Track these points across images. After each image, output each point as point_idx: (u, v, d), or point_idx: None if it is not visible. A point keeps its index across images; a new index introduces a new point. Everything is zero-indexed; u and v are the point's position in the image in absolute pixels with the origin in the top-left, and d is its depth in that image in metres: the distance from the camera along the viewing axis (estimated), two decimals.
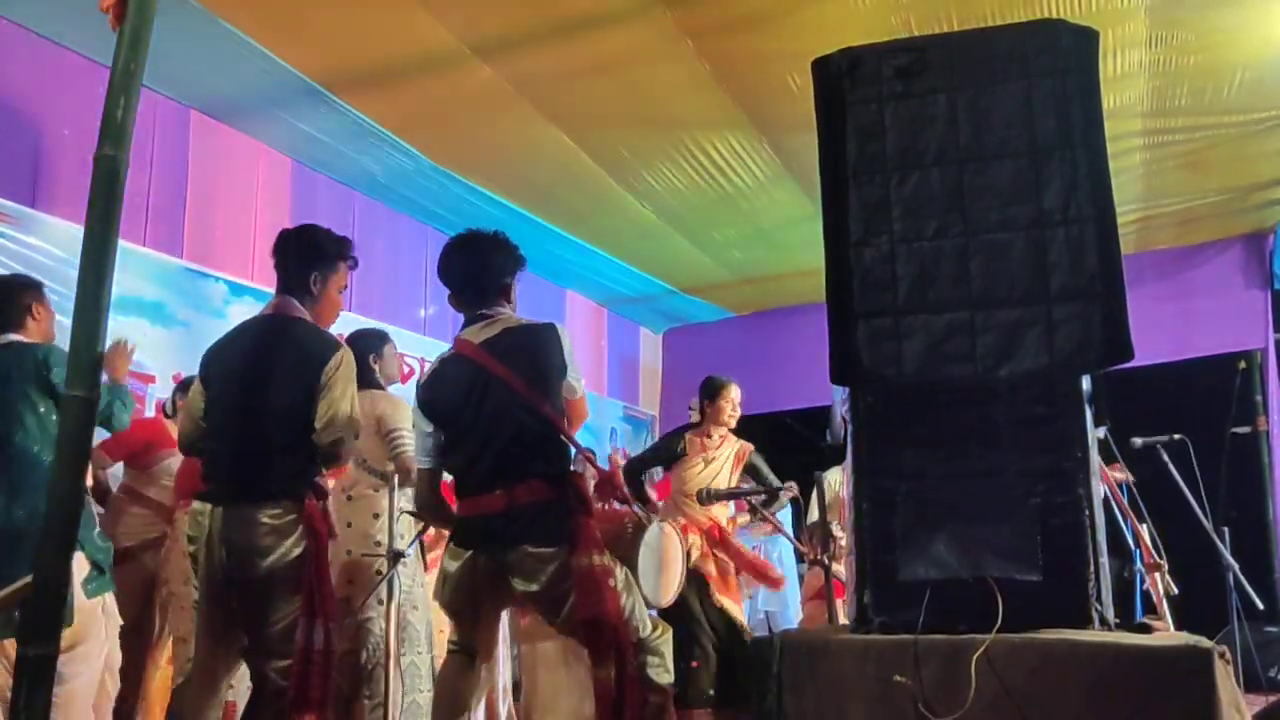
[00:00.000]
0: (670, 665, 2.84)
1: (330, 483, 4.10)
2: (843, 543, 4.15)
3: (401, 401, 4.01)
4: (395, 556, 3.34)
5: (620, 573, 2.75)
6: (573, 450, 2.84)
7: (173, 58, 4.17)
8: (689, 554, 3.64)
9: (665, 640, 2.83)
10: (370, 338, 4.17)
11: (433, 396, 2.85)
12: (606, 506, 3.00)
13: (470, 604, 2.79)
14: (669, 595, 3.03)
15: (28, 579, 1.97)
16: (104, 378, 3.15)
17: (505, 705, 4.20)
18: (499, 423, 2.73)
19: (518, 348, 2.79)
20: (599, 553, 2.66)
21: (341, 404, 2.79)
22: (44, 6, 4.00)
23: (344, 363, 2.83)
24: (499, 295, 2.90)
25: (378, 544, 3.81)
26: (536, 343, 2.82)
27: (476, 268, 2.91)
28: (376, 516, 3.87)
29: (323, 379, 2.77)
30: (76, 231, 3.77)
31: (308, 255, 2.95)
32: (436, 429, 2.84)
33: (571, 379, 2.84)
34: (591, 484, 2.96)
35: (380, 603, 3.56)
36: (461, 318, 2.93)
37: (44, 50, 4.20)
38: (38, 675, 1.84)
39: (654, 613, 3.34)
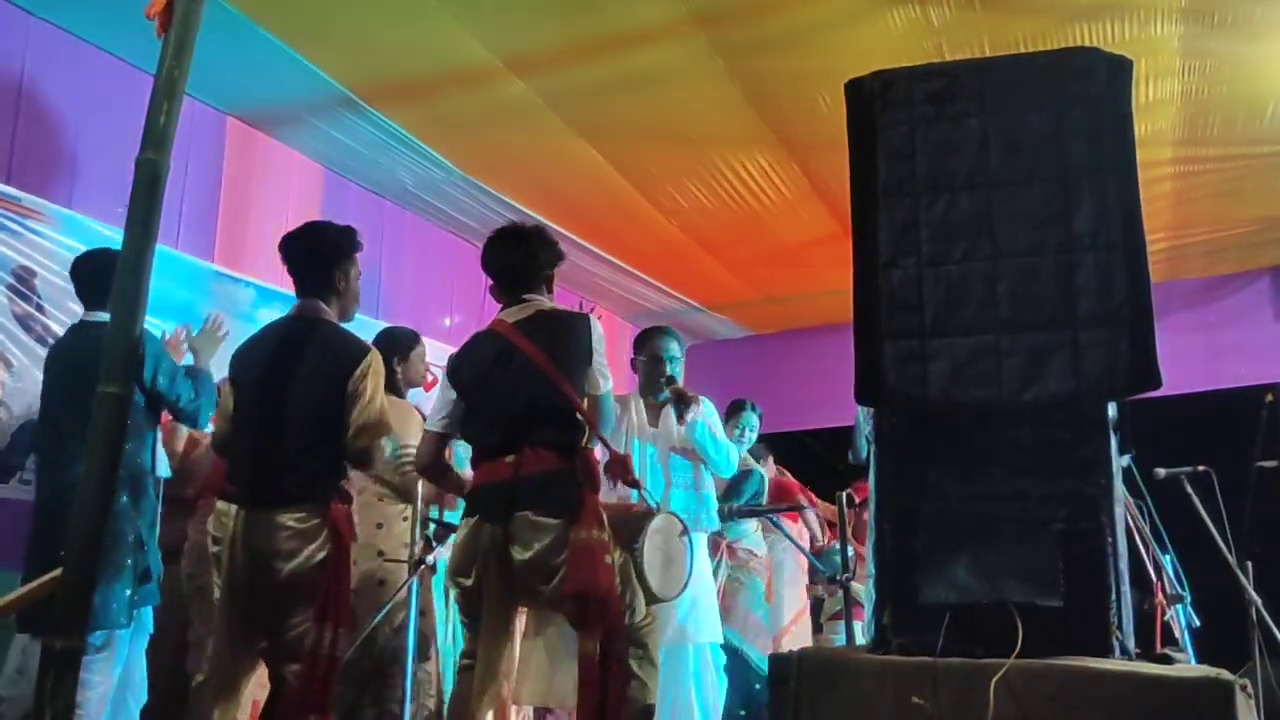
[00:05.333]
0: (655, 659, 2.83)
1: None
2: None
3: (414, 415, 4.02)
4: (416, 564, 3.35)
5: (618, 555, 2.75)
6: (586, 430, 2.86)
7: (212, 65, 4.23)
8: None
9: (651, 631, 2.82)
10: (397, 339, 4.16)
11: (460, 366, 2.98)
12: (614, 486, 3.00)
13: (473, 568, 2.78)
14: (676, 588, 3.01)
15: (56, 572, 1.99)
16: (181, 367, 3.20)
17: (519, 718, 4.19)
18: (516, 393, 2.80)
19: (546, 328, 2.88)
20: (599, 528, 2.68)
21: (372, 408, 2.83)
22: (88, 12, 4.08)
23: (373, 366, 2.87)
24: (539, 285, 3.01)
25: (380, 553, 3.82)
26: (565, 326, 2.91)
27: (520, 258, 3.02)
28: (380, 526, 3.88)
29: (352, 384, 2.81)
30: (113, 233, 3.84)
31: (329, 255, 2.99)
32: (459, 397, 2.93)
33: (597, 371, 2.89)
34: (602, 465, 2.96)
35: (382, 609, 3.56)
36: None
37: (87, 54, 4.27)
38: (64, 669, 1.87)
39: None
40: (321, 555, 2.72)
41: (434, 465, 3.04)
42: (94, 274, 3.30)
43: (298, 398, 2.81)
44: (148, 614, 3.32)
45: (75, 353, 3.25)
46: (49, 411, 3.27)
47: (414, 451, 3.77)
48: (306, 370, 2.83)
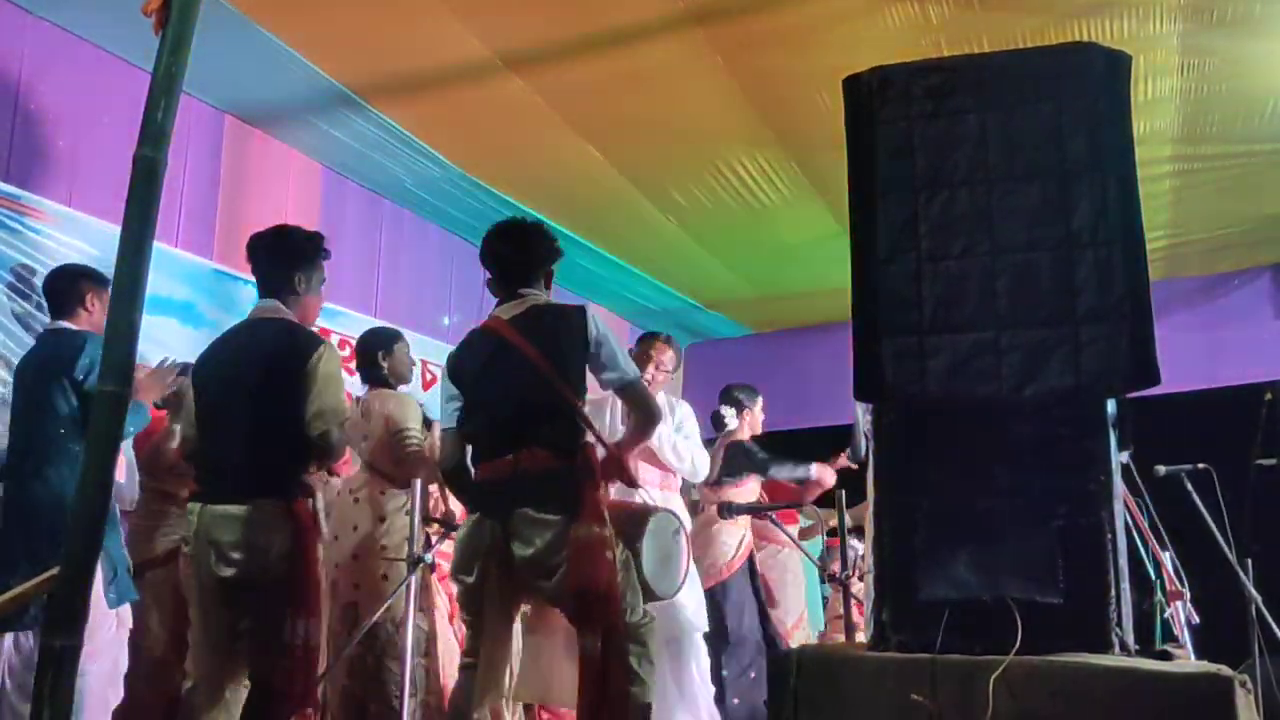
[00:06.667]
0: (653, 657, 2.82)
1: (337, 481, 4.14)
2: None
3: (410, 400, 4.04)
4: (415, 562, 3.35)
5: (620, 552, 2.74)
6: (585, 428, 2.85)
7: (210, 63, 4.24)
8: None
9: (650, 630, 2.81)
10: (380, 334, 4.21)
11: (457, 363, 2.98)
12: (610, 486, 2.99)
13: (475, 565, 2.78)
14: (674, 586, 3.01)
15: (53, 571, 1.99)
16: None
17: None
18: (512, 391, 2.80)
19: (541, 324, 2.87)
20: (600, 525, 2.66)
21: (326, 394, 2.83)
22: (85, 10, 4.08)
23: (326, 356, 2.88)
24: (536, 280, 3.00)
25: (383, 548, 3.83)
26: (560, 320, 2.89)
27: (519, 252, 3.02)
28: (382, 519, 3.88)
29: (306, 373, 2.82)
30: (112, 230, 3.84)
31: (289, 256, 3.03)
32: (459, 393, 2.93)
33: (608, 361, 2.86)
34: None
35: (387, 607, 3.57)
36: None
37: (84, 53, 4.27)
38: (62, 666, 1.86)
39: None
40: (285, 548, 2.74)
41: (457, 465, 2.96)
42: (57, 288, 3.40)
43: (252, 393, 2.83)
44: (125, 611, 3.32)
45: (37, 361, 3.31)
46: (14, 418, 3.30)
47: (413, 433, 3.79)
48: (260, 365, 2.86)
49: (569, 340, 2.85)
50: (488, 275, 3.07)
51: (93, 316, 3.37)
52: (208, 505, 2.80)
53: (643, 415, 2.98)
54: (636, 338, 4.44)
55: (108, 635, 3.20)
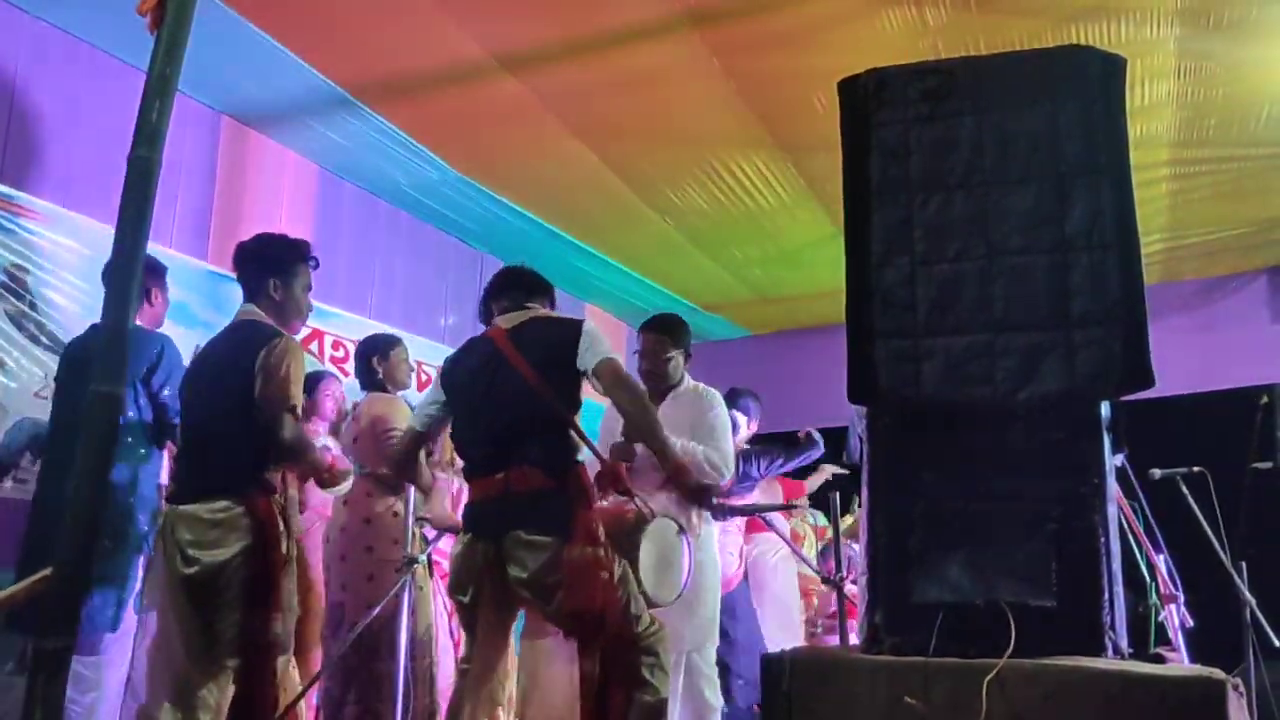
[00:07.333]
0: (666, 664, 2.82)
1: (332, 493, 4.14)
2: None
3: (399, 402, 4.05)
4: (409, 563, 3.35)
5: (617, 567, 2.73)
6: (579, 443, 2.85)
7: (205, 63, 4.24)
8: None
9: (660, 638, 2.81)
10: (376, 340, 4.23)
11: (452, 369, 3.01)
12: (607, 499, 2.99)
13: (469, 586, 2.79)
14: (672, 593, 3.01)
15: (45, 571, 1.98)
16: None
17: None
18: (503, 407, 2.79)
19: (537, 338, 2.86)
20: (593, 545, 2.65)
21: (275, 382, 2.81)
22: (81, 10, 4.07)
23: (280, 348, 2.86)
24: (541, 296, 3.06)
25: (369, 549, 3.83)
26: (556, 336, 2.88)
27: (528, 276, 3.10)
28: (368, 521, 3.88)
29: (258, 364, 2.82)
30: (107, 231, 3.83)
31: (263, 263, 3.06)
32: (446, 400, 2.96)
33: (585, 350, 2.82)
34: (593, 475, 2.95)
35: (369, 607, 3.57)
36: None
37: (80, 52, 4.27)
38: (54, 668, 1.86)
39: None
40: (245, 545, 2.76)
41: (401, 456, 3.13)
42: None
43: (214, 392, 2.88)
44: (151, 619, 3.32)
45: (86, 353, 3.28)
46: (58, 411, 3.29)
47: (398, 433, 3.79)
48: (221, 364, 2.91)
49: (563, 353, 2.83)
50: (492, 301, 3.09)
51: (154, 310, 3.36)
52: (174, 505, 2.84)
53: (624, 395, 2.84)
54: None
55: (129, 642, 3.19)
